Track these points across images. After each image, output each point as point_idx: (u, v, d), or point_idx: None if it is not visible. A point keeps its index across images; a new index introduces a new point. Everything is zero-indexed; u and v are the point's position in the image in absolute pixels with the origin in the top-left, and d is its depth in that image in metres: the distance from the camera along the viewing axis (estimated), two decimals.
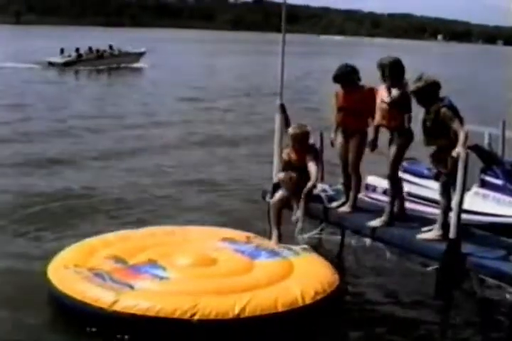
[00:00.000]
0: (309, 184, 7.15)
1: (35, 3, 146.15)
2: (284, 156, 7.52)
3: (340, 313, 6.29)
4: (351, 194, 7.47)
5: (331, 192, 7.85)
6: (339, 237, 7.92)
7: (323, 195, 7.57)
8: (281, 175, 7.39)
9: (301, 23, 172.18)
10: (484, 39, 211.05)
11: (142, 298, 5.51)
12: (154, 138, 15.84)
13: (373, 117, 7.09)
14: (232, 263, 6.36)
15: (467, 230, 6.51)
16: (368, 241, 7.49)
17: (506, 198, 7.50)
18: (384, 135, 7.14)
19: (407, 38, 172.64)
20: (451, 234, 6.17)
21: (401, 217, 7.13)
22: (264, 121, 15.98)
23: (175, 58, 48.37)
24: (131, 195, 10.34)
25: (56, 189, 10.51)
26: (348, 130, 7.35)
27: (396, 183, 7.11)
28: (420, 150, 7.01)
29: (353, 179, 7.42)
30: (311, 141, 7.47)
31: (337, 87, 7.41)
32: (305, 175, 7.22)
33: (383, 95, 6.83)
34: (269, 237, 7.32)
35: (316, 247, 7.44)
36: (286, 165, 7.48)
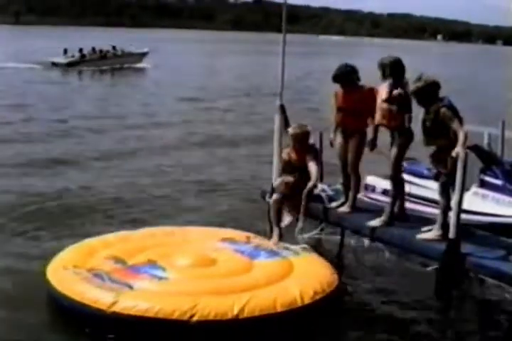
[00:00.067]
0: (310, 184, 7.15)
1: (34, 4, 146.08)
2: (284, 156, 7.52)
3: (340, 313, 6.29)
4: (350, 194, 7.47)
5: (330, 192, 7.85)
6: (339, 237, 7.92)
7: (323, 194, 7.58)
8: (278, 181, 7.39)
9: (302, 23, 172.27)
10: (484, 39, 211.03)
11: (141, 299, 5.50)
12: (155, 138, 15.84)
13: (373, 117, 7.10)
14: (231, 263, 6.36)
15: (467, 230, 6.51)
16: (366, 241, 7.50)
17: (506, 198, 7.50)
18: (383, 135, 7.16)
19: (407, 38, 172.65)
20: (451, 234, 6.17)
21: (401, 217, 7.14)
22: (264, 121, 15.97)
23: (175, 58, 48.38)
24: (131, 195, 10.34)
25: (56, 189, 10.50)
26: (347, 130, 7.35)
27: (398, 184, 7.11)
28: (420, 151, 7.01)
29: (352, 179, 7.43)
30: (311, 141, 7.48)
31: (337, 87, 7.41)
32: (305, 175, 7.23)
33: (383, 94, 6.84)
34: (269, 237, 7.33)
35: (316, 247, 7.43)
36: (286, 166, 7.49)
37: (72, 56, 37.82)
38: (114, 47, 40.30)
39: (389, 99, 6.76)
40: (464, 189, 6.22)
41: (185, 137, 16.25)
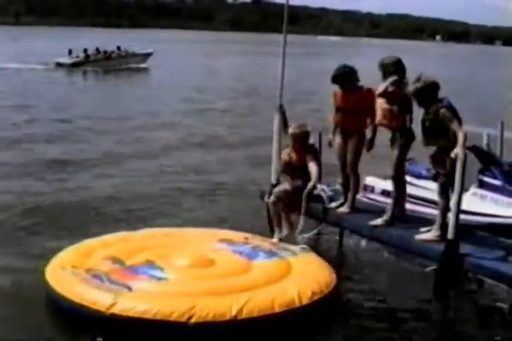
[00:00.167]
0: (310, 184, 7.18)
1: (34, 4, 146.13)
2: (284, 157, 7.54)
3: (338, 313, 6.28)
4: (350, 194, 7.47)
5: (329, 193, 7.85)
6: (338, 237, 7.93)
7: (323, 195, 7.58)
8: (277, 189, 7.39)
9: (300, 23, 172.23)
10: (483, 39, 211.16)
11: (140, 300, 5.49)
12: (155, 139, 15.83)
13: (372, 117, 7.11)
14: (229, 264, 6.35)
15: (466, 231, 6.51)
16: (365, 241, 7.51)
17: (504, 199, 7.51)
18: (381, 135, 7.16)
19: (406, 39, 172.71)
20: (450, 235, 6.17)
21: (400, 218, 7.14)
22: (263, 121, 15.97)
23: (175, 59, 48.35)
24: (131, 196, 10.33)
25: (56, 189, 10.51)
26: (346, 130, 7.35)
27: (400, 184, 7.11)
28: (419, 151, 7.01)
29: (351, 179, 7.43)
30: (311, 141, 7.50)
31: (336, 88, 7.41)
32: (305, 175, 7.25)
33: (379, 89, 6.85)
34: (269, 237, 7.35)
35: (315, 247, 7.45)
36: (286, 166, 7.51)
37: (77, 56, 37.93)
38: (118, 48, 40.43)
39: (384, 94, 6.77)
40: (462, 189, 6.22)
41: (185, 138, 16.25)
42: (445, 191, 6.48)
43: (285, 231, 7.34)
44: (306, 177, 7.26)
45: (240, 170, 12.67)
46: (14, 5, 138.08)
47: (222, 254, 6.58)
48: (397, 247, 6.97)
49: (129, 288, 5.68)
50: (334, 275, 6.37)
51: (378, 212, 7.42)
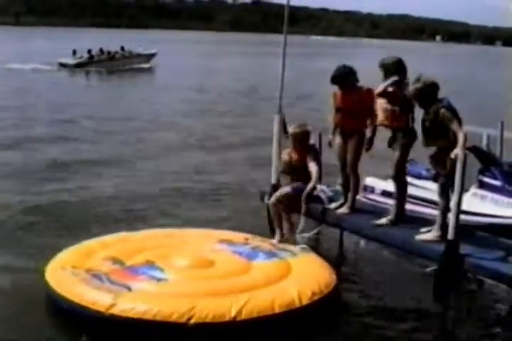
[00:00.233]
0: (310, 185, 7.18)
1: (34, 5, 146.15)
2: (285, 157, 7.53)
3: (338, 314, 6.28)
4: (350, 195, 7.47)
5: (329, 193, 7.85)
6: (338, 238, 7.93)
7: (322, 195, 7.58)
8: (278, 193, 7.40)
9: (301, 24, 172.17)
10: (483, 40, 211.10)
11: (139, 301, 5.48)
12: (156, 140, 15.85)
13: (372, 118, 7.11)
14: (229, 264, 6.35)
15: (466, 231, 6.51)
16: (364, 241, 7.52)
17: (504, 199, 7.50)
18: (381, 135, 7.16)
19: (406, 39, 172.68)
20: (450, 235, 6.17)
21: (400, 218, 7.14)
22: (264, 122, 15.97)
23: (176, 59, 48.36)
24: (131, 197, 10.33)
25: (57, 190, 10.51)
26: (346, 131, 7.36)
27: (401, 184, 7.10)
28: (419, 151, 7.01)
29: (351, 180, 7.43)
30: (311, 141, 7.50)
31: (335, 88, 7.41)
32: (305, 176, 7.25)
33: (378, 88, 6.86)
34: (269, 238, 7.35)
35: (315, 247, 7.44)
36: (286, 166, 7.51)
37: (81, 57, 38.00)
38: (122, 48, 40.50)
39: (384, 94, 6.78)
40: (463, 190, 6.22)
41: (186, 138, 16.26)
42: (445, 191, 6.48)
43: (286, 232, 7.34)
44: (307, 177, 7.25)
45: (240, 171, 12.67)
46: (14, 5, 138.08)
47: (222, 255, 6.58)
48: (397, 247, 6.97)
49: (129, 289, 5.67)
50: (334, 276, 6.36)
51: (378, 212, 7.43)
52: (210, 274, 6.10)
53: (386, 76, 6.89)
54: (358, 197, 7.75)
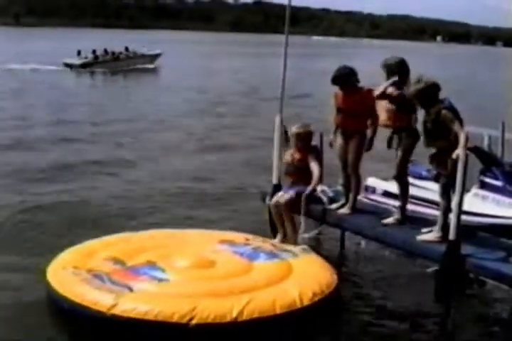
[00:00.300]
0: (311, 185, 7.20)
1: (34, 5, 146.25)
2: (287, 157, 7.56)
3: (339, 314, 6.28)
4: (351, 195, 7.47)
5: (330, 194, 7.85)
6: (339, 238, 7.93)
7: (322, 196, 7.57)
8: (282, 199, 7.38)
9: (302, 24, 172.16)
10: (484, 40, 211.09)
11: (141, 301, 5.49)
12: (157, 141, 15.85)
13: (373, 118, 7.11)
14: (230, 265, 6.35)
15: (467, 231, 6.50)
16: (364, 242, 7.51)
17: (506, 199, 7.50)
18: (380, 135, 7.16)
19: (407, 39, 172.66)
20: (451, 236, 6.16)
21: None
22: (264, 123, 15.99)
23: (177, 60, 48.38)
24: (132, 197, 10.33)
25: (58, 191, 10.52)
26: (347, 131, 7.35)
27: (403, 184, 7.10)
28: (419, 152, 7.01)
29: (352, 180, 7.42)
30: (313, 142, 7.52)
31: (336, 89, 7.41)
32: (307, 176, 7.26)
33: (377, 90, 6.85)
34: (270, 238, 7.35)
35: (316, 248, 7.44)
36: (289, 166, 7.53)
37: (85, 57, 38.08)
38: (126, 49, 40.63)
39: (383, 96, 6.77)
40: (464, 190, 6.22)
41: (187, 139, 16.27)
42: (446, 192, 6.47)
43: (287, 233, 7.34)
44: (308, 177, 7.27)
45: (241, 171, 12.67)
46: (14, 6, 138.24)
47: (223, 255, 6.58)
48: (399, 248, 6.96)
49: (130, 289, 5.67)
50: (335, 276, 6.36)
51: (380, 212, 7.43)
52: (212, 275, 6.10)
53: (389, 76, 6.88)
54: (359, 197, 7.75)
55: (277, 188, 7.80)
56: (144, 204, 9.95)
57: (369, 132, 7.25)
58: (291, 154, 7.52)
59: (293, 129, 7.49)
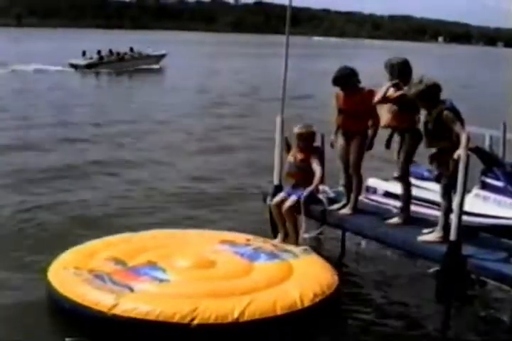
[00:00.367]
0: (312, 185, 7.20)
1: (35, 6, 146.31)
2: (290, 158, 7.57)
3: (340, 315, 6.28)
4: (352, 196, 7.46)
5: (331, 194, 7.85)
6: (340, 239, 7.92)
7: (322, 197, 7.56)
8: (285, 205, 7.37)
9: (303, 25, 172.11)
10: (485, 41, 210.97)
11: (142, 302, 5.49)
12: (158, 141, 15.86)
13: (374, 119, 7.11)
14: (231, 265, 6.35)
15: (468, 232, 6.49)
16: (365, 242, 7.50)
17: (507, 200, 7.48)
18: (382, 136, 7.15)
19: (408, 40, 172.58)
20: (452, 236, 6.16)
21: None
22: (266, 123, 15.99)
23: (179, 60, 48.35)
24: (132, 198, 10.34)
25: (59, 191, 10.53)
26: (348, 132, 7.35)
27: (408, 185, 7.09)
28: (419, 152, 7.00)
29: (354, 181, 7.42)
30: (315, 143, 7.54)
31: (337, 89, 7.41)
32: (308, 176, 7.26)
33: (378, 94, 6.85)
34: (271, 238, 7.35)
35: (317, 248, 7.44)
36: (291, 167, 7.55)
37: (91, 58, 38.14)
38: (131, 49, 40.70)
39: (383, 101, 6.77)
40: (465, 191, 6.21)
41: (188, 140, 16.29)
42: (447, 192, 6.46)
43: (289, 233, 7.34)
44: (310, 178, 7.28)
45: (241, 172, 12.68)
46: (16, 7, 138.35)
47: (224, 256, 6.58)
48: (400, 248, 6.96)
49: (131, 290, 5.68)
50: (336, 277, 6.35)
51: (381, 213, 7.43)
52: (212, 275, 6.10)
53: (392, 77, 6.88)
54: (360, 198, 7.74)
55: (278, 189, 7.80)
56: (144, 204, 9.96)
57: (370, 132, 7.25)
58: (293, 155, 7.54)
59: (295, 129, 7.50)
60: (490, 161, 7.78)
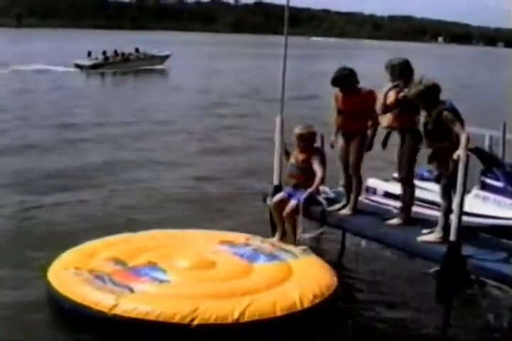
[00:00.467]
0: (313, 186, 7.21)
1: (35, 7, 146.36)
2: (292, 159, 7.57)
3: (339, 316, 6.28)
4: (352, 196, 7.46)
5: (331, 195, 7.85)
6: (340, 239, 7.92)
7: (321, 198, 7.56)
8: (287, 208, 7.36)
9: (303, 25, 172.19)
10: (485, 41, 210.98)
11: (142, 302, 5.49)
12: (159, 142, 15.86)
13: (373, 119, 7.11)
14: (230, 266, 6.35)
15: (468, 232, 6.49)
16: (365, 242, 7.50)
17: (507, 200, 7.48)
18: (381, 136, 7.16)
19: (408, 40, 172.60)
20: (452, 237, 6.16)
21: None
22: (266, 124, 15.99)
23: (179, 61, 48.32)
24: (133, 200, 10.33)
25: (59, 191, 10.52)
26: (348, 132, 7.35)
27: (409, 186, 7.09)
28: (419, 152, 7.00)
29: (353, 181, 7.42)
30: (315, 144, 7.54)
31: (336, 90, 7.41)
32: (310, 177, 7.26)
33: (390, 98, 6.83)
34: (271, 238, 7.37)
35: (317, 249, 7.44)
36: (293, 168, 7.55)
37: (96, 58, 38.19)
38: (137, 50, 40.79)
39: (397, 103, 6.77)
40: (465, 191, 6.21)
41: (188, 140, 16.29)
42: (447, 193, 6.47)
43: (288, 233, 7.34)
44: (311, 178, 7.29)
45: (241, 172, 12.67)
46: (16, 7, 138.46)
47: (224, 256, 6.58)
48: (400, 249, 6.96)
49: (132, 290, 5.68)
50: (335, 278, 6.35)
51: (381, 213, 7.43)
52: (212, 276, 6.10)
53: (393, 77, 6.87)
54: (360, 198, 7.74)
55: (278, 189, 7.80)
56: (144, 204, 9.96)
57: (369, 133, 7.25)
58: (294, 156, 7.54)
59: (296, 130, 7.50)
60: (490, 161, 7.78)
